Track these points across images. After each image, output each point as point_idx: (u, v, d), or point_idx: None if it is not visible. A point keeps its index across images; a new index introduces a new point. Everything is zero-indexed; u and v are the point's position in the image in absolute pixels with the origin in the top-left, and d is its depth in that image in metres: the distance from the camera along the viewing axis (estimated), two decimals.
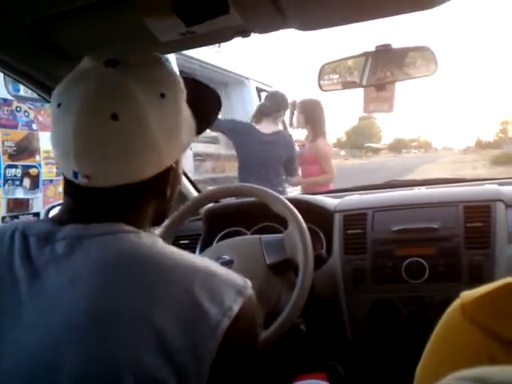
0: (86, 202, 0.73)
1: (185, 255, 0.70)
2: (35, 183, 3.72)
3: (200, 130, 0.83)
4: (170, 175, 0.78)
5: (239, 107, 6.88)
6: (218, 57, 6.19)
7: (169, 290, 0.63)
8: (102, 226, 0.69)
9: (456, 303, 0.53)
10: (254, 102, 7.07)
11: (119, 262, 0.65)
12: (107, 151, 0.68)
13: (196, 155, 5.54)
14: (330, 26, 1.10)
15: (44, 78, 1.27)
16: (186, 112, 0.77)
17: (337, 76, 1.56)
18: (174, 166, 0.78)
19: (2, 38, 1.08)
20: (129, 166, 0.70)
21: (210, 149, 6.23)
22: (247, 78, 7.04)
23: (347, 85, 1.47)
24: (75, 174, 0.70)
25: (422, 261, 1.42)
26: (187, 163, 4.48)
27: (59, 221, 0.71)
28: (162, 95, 0.72)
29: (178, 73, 0.79)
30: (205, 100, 0.87)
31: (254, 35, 1.13)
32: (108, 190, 0.71)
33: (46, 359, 0.59)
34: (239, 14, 0.99)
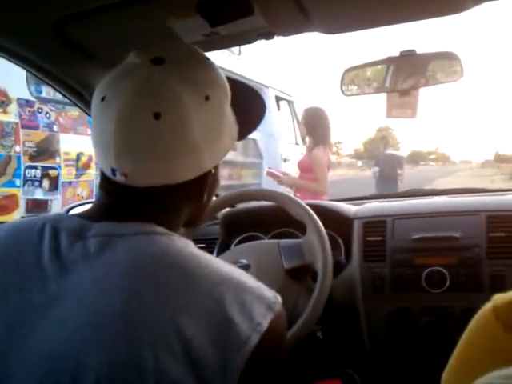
0: (120, 200, 0.72)
1: (216, 262, 0.68)
2: (54, 184, 3.77)
3: (242, 134, 0.81)
4: (208, 180, 0.76)
5: None
6: (238, 64, 6.22)
7: (199, 298, 0.62)
8: (134, 226, 0.68)
9: (487, 307, 0.52)
10: (272, 111, 7.09)
11: (150, 265, 0.64)
12: (147, 151, 0.67)
13: None
14: (354, 30, 1.09)
15: (67, 76, 1.28)
16: (229, 116, 0.76)
17: (355, 87, 1.55)
18: (213, 170, 0.77)
19: (28, 35, 1.09)
20: (167, 167, 0.69)
21: (227, 156, 6.25)
22: (266, 86, 7.06)
23: (370, 90, 1.46)
24: (113, 171, 0.69)
25: (443, 270, 1.40)
26: None
27: (91, 216, 0.70)
28: (207, 97, 0.70)
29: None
30: (249, 103, 0.85)
31: (276, 39, 1.13)
32: (144, 189, 0.70)
33: (71, 359, 0.58)
34: (263, 15, 0.99)
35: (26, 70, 1.30)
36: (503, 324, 0.48)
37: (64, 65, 1.24)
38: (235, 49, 6.45)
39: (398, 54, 1.35)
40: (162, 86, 0.68)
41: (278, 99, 7.59)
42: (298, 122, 7.37)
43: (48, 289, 0.63)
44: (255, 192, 1.59)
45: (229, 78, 0.79)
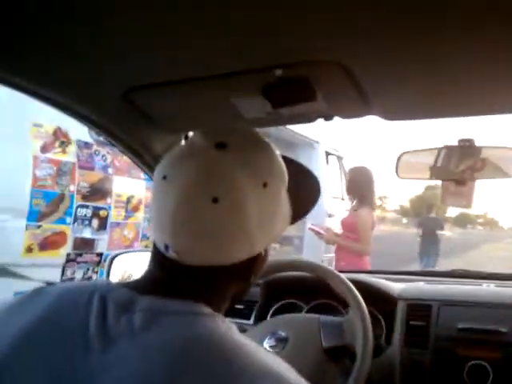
0: (171, 276, 0.73)
1: (257, 352, 0.68)
2: (103, 224, 3.85)
3: (295, 218, 0.82)
4: (257, 261, 0.77)
5: None
6: None
7: None
8: (180, 304, 0.69)
9: None
10: (321, 166, 7.11)
11: (192, 347, 0.64)
12: (202, 232, 0.69)
13: None
14: (413, 119, 1.10)
15: (127, 137, 1.32)
16: (284, 202, 0.77)
17: (410, 171, 1.55)
18: (263, 253, 0.78)
19: (98, 100, 1.15)
20: (219, 249, 0.70)
21: None
22: (317, 142, 7.11)
23: (425, 175, 1.45)
24: (166, 247, 0.71)
25: (486, 365, 1.35)
26: None
27: (140, 289, 0.71)
28: (265, 184, 0.72)
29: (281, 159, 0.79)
30: (304, 186, 0.86)
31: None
32: (195, 268, 0.71)
33: None
34: (325, 101, 1.01)
35: (89, 128, 1.35)
36: None
37: (126, 127, 1.28)
38: None
39: (455, 143, 1.35)
40: (223, 171, 0.70)
41: (327, 154, 7.62)
42: (345, 177, 7.36)
43: (91, 361, 0.64)
44: (300, 263, 1.58)
45: (285, 159, 0.80)
